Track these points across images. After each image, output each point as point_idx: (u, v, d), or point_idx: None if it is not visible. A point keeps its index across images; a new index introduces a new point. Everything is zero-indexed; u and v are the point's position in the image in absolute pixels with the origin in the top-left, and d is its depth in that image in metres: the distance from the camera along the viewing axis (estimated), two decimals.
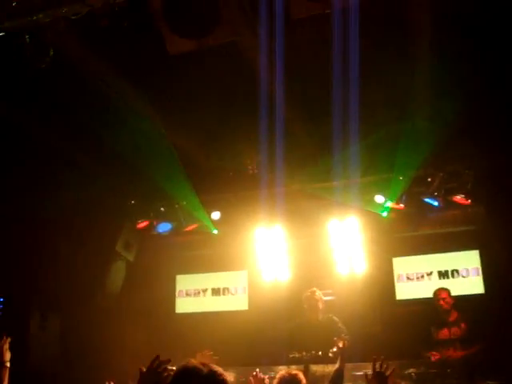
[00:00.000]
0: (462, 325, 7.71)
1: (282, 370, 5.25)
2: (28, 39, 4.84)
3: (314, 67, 6.60)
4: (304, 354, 7.04)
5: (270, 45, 5.65)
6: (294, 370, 5.10)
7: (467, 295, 8.92)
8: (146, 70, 6.33)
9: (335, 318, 7.66)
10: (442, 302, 7.89)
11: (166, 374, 2.86)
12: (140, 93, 7.05)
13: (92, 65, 6.29)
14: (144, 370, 2.89)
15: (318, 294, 7.84)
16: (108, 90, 6.79)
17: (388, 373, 4.12)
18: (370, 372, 4.18)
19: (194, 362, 2.63)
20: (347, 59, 6.16)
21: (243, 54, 6.15)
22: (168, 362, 2.91)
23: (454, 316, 7.83)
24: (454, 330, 7.74)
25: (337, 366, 5.35)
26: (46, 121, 7.21)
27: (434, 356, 7.44)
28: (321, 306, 7.76)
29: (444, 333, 7.79)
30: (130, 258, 9.96)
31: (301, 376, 4.76)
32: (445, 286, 8.24)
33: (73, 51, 5.89)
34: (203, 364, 2.63)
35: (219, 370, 2.63)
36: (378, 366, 4.15)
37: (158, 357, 2.91)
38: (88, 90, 6.70)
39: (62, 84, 6.45)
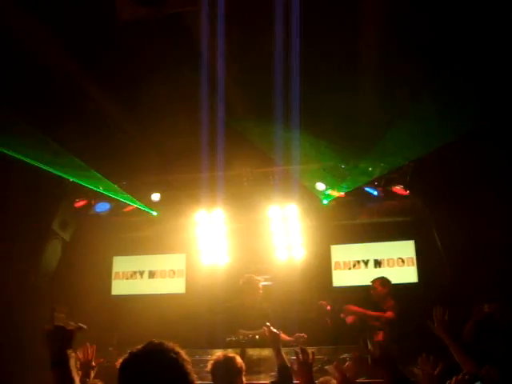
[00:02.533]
0: (394, 311, 7.87)
1: (217, 352, 5.18)
2: None
3: (257, 50, 6.55)
4: (241, 337, 7.06)
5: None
6: (231, 353, 5.04)
7: (402, 283, 9.13)
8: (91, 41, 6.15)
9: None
10: (373, 292, 8.11)
11: (71, 328, 2.73)
12: (84, 68, 6.87)
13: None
14: (49, 327, 2.73)
15: (258, 278, 7.92)
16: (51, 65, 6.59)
17: (310, 360, 4.19)
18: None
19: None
20: (290, 45, 6.15)
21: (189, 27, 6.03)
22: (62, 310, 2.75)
23: (388, 304, 7.98)
24: (386, 316, 7.91)
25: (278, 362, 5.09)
26: None
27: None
28: (260, 290, 7.85)
29: None
30: (67, 237, 9.71)
31: (238, 360, 4.67)
32: (381, 275, 8.40)
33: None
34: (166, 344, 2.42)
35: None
36: (299, 354, 4.23)
37: (53, 308, 2.75)
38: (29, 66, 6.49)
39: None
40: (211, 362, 4.75)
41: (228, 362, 4.63)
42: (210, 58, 6.48)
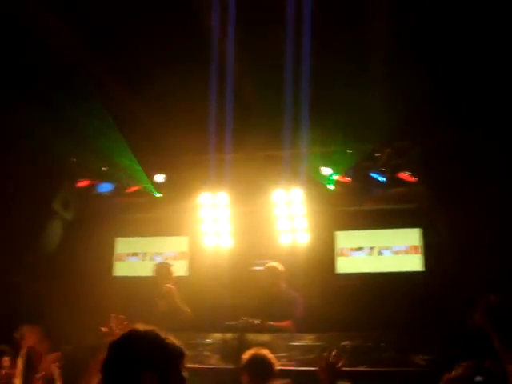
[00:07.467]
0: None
1: (251, 350, 5.21)
2: None
3: (267, 32, 6.47)
4: (240, 321, 7.00)
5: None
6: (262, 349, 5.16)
7: (407, 272, 9.02)
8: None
9: None
10: None
11: None
12: (89, 47, 6.81)
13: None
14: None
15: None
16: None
17: (339, 364, 4.05)
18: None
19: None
20: (301, 27, 6.08)
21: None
22: None
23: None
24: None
25: None
26: None
27: None
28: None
29: None
30: (68, 217, 9.66)
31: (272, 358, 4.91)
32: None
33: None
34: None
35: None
36: (331, 356, 4.08)
37: None
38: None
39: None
40: (245, 359, 4.95)
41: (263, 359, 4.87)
42: (220, 41, 6.42)
